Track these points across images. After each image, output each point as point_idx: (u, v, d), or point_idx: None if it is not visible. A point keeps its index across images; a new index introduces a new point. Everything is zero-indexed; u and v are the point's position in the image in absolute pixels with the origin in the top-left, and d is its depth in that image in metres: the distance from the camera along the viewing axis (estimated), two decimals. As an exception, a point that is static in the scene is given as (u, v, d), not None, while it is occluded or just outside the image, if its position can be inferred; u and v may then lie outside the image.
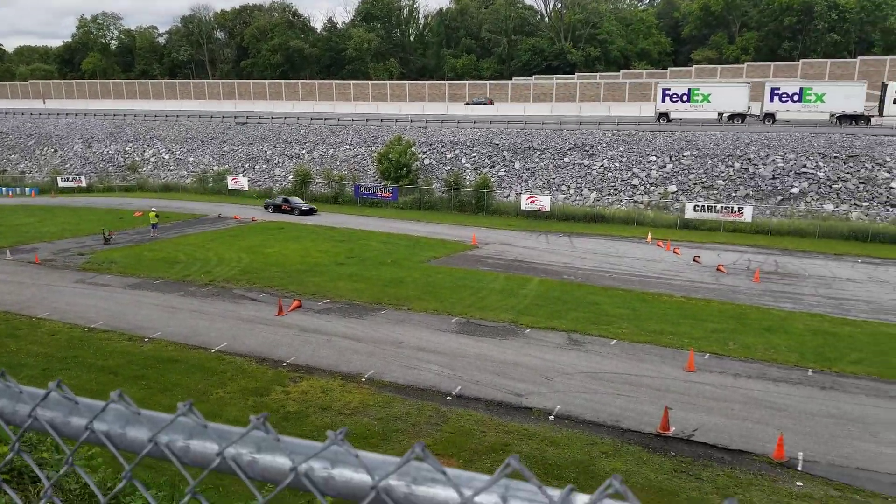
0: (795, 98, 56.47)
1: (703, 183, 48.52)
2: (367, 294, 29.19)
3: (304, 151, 65.68)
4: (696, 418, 18.02)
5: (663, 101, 60.84)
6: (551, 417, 18.16)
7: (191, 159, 69.57)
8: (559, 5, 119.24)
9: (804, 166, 46.67)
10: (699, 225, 44.15)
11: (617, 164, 52.27)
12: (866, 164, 45.25)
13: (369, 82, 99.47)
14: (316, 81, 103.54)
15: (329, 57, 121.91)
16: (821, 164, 46.38)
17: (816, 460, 15.96)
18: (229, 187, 61.23)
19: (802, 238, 40.42)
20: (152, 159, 71.14)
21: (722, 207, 44.12)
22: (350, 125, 69.56)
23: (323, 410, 18.51)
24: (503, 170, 55.70)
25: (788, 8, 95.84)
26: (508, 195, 52.92)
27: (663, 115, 61.07)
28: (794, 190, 45.62)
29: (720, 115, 59.33)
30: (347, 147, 64.63)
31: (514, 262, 35.64)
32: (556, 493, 0.94)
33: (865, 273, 32.90)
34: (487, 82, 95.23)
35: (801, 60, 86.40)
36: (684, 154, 51.10)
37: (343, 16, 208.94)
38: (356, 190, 56.38)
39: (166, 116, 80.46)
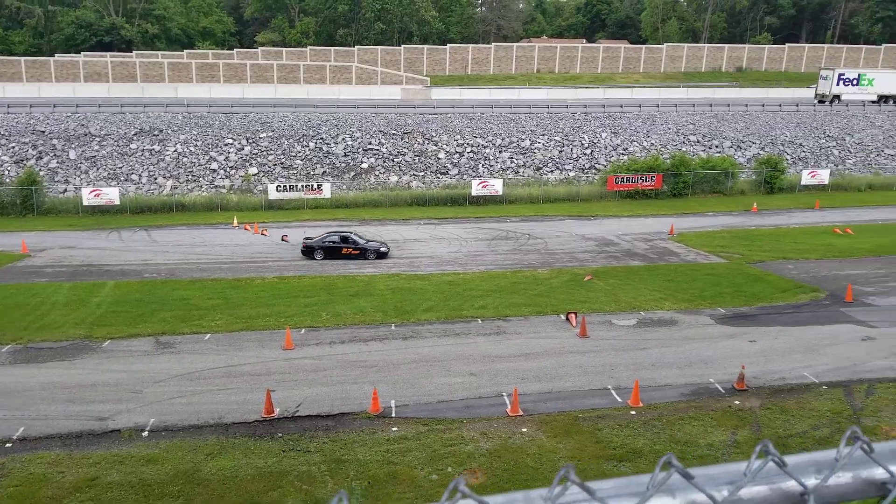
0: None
1: (282, 163, 49.92)
2: None
3: None
4: (299, 393, 18.49)
5: (837, 84, 69.63)
6: (145, 434, 16.45)
7: None
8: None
9: (370, 143, 51.86)
10: (284, 205, 45.40)
11: (192, 149, 50.01)
12: (418, 140, 52.61)
13: None
14: None
15: None
16: (383, 140, 52.17)
17: (407, 404, 17.95)
18: None
19: (376, 208, 45.04)
20: None
21: (303, 186, 46.14)
22: None
23: None
24: (55, 161, 48.09)
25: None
26: (66, 190, 45.99)
27: (836, 97, 69.28)
28: (364, 165, 50.41)
29: (879, 96, 69.17)
30: None
31: (81, 267, 31.16)
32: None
33: (427, 233, 38.38)
34: (22, 58, 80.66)
35: (357, 47, 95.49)
36: (261, 136, 51.71)
37: None
38: None
39: None
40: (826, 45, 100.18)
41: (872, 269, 30.14)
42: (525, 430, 16.68)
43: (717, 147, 55.28)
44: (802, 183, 50.34)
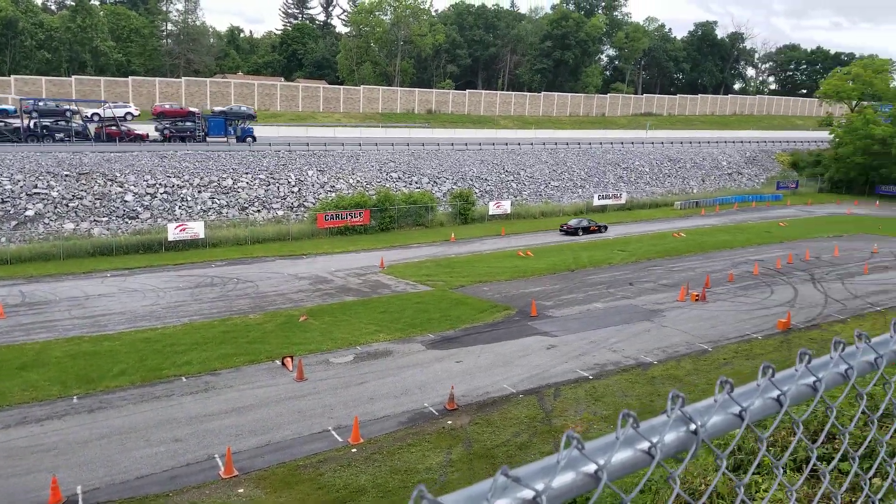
0: None
1: (-88, 214, 40.56)
2: None
3: None
4: (-55, 500, 14.78)
5: None
6: None
7: None
8: None
9: (36, 187, 44.93)
10: (-83, 266, 36.79)
11: None
12: (99, 181, 47.10)
13: None
14: None
15: None
16: (53, 183, 45.62)
17: (97, 487, 15.48)
18: None
19: (48, 262, 38.92)
20: None
21: (-56, 241, 37.96)
22: None
23: None
24: None
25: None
26: None
27: None
28: (30, 212, 43.44)
29: None
30: None
31: None
32: None
33: (116, 286, 34.27)
34: None
35: (14, 76, 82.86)
36: None
37: None
38: None
39: None
40: (499, 92, 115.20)
41: (550, 286, 34.84)
42: (241, 490, 15.53)
43: (416, 183, 59.44)
44: (490, 213, 56.61)
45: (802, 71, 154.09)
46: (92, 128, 56.99)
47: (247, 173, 52.97)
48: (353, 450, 17.35)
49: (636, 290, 33.95)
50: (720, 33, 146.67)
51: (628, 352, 24.78)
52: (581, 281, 35.91)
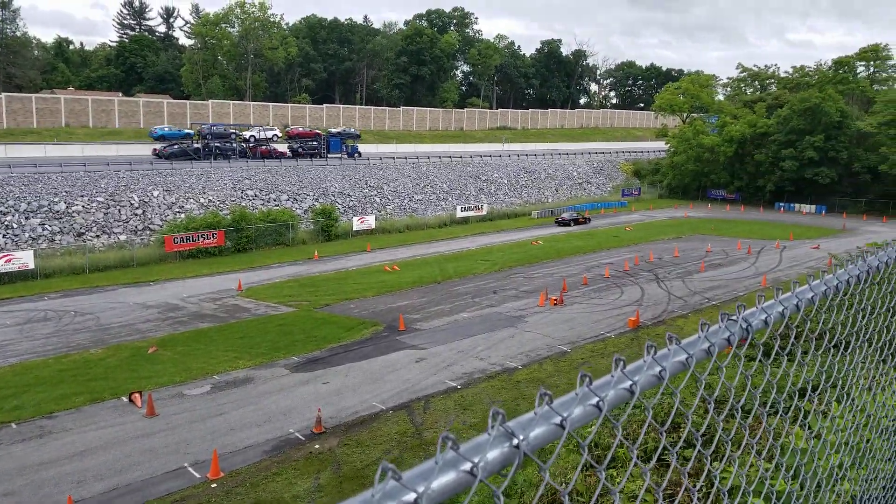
0: None
1: None
2: None
3: None
4: None
5: None
6: None
7: None
8: None
9: None
10: None
11: None
12: None
13: None
14: None
15: None
16: None
17: None
18: None
19: None
20: None
21: None
22: None
23: None
24: None
25: None
26: None
27: None
28: None
29: None
30: None
31: None
32: None
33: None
34: None
35: None
36: None
37: None
38: None
39: None
40: (358, 107, 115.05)
41: (417, 299, 35.11)
42: (88, 543, 14.19)
43: (275, 200, 57.79)
44: (354, 229, 56.22)
45: (639, 86, 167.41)
46: (248, 148, 68.98)
47: (82, 196, 49.01)
48: (213, 485, 16.42)
49: (500, 297, 35.03)
50: (565, 51, 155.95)
51: (494, 359, 25.46)
52: (447, 292, 36.49)
